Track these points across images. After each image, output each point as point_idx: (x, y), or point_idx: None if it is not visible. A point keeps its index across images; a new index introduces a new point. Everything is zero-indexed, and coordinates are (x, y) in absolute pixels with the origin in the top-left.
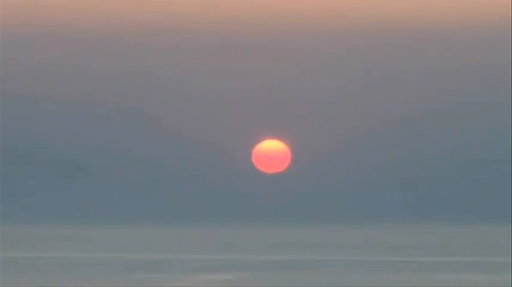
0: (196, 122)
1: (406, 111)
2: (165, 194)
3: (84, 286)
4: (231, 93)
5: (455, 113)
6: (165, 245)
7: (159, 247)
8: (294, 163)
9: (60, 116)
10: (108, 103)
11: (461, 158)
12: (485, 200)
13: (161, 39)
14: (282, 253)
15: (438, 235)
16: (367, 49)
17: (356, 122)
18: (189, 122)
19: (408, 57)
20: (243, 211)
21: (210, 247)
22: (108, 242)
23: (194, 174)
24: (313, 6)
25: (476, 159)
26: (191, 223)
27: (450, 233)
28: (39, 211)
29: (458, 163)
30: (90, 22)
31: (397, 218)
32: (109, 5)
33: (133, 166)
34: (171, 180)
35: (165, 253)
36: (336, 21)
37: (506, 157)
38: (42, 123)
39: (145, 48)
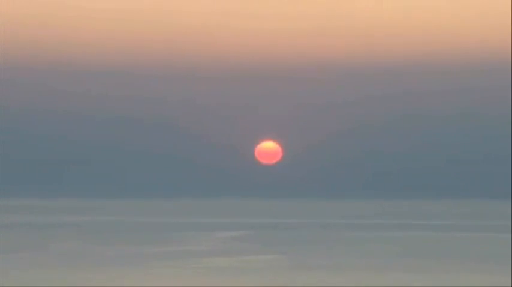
0: (217, 130)
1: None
2: (195, 177)
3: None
4: (240, 110)
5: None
6: (191, 212)
7: (187, 214)
8: (283, 157)
9: (119, 124)
10: (162, 118)
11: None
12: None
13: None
14: (275, 218)
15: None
16: (354, 76)
17: (329, 130)
18: (213, 131)
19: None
20: (248, 189)
21: (224, 214)
22: (145, 211)
23: (215, 164)
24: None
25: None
26: (212, 197)
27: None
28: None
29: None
30: (146, 57)
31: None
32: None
33: (173, 158)
34: (199, 169)
35: (190, 218)
36: (323, 55)
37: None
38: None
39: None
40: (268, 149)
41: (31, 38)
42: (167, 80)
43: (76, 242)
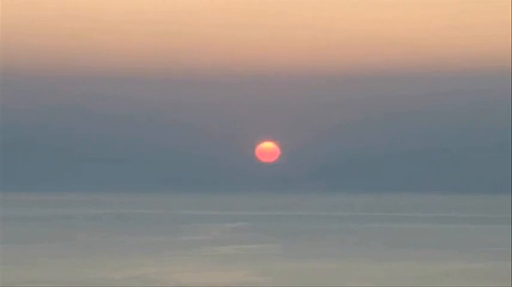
0: (223, 133)
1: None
2: (203, 174)
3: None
4: (243, 114)
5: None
6: (200, 206)
7: (196, 207)
8: (281, 156)
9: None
10: (173, 119)
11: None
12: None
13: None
14: (272, 211)
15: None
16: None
17: (320, 132)
18: (219, 133)
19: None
20: (250, 184)
21: (228, 207)
22: (158, 204)
23: (221, 162)
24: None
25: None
26: (218, 191)
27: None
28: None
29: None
30: (160, 64)
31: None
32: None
33: (184, 157)
34: (208, 166)
35: (199, 211)
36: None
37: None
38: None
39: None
40: (268, 148)
41: (55, 48)
42: (178, 87)
43: (98, 233)
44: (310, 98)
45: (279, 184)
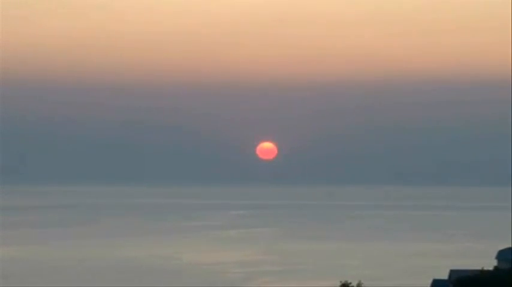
0: (228, 135)
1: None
2: (212, 169)
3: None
4: (246, 119)
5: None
6: (209, 196)
7: (206, 197)
8: (278, 155)
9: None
10: (180, 126)
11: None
12: None
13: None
14: (271, 200)
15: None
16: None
17: (313, 134)
18: (225, 135)
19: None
20: (251, 178)
21: (233, 197)
22: (175, 195)
23: (227, 159)
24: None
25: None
26: (224, 184)
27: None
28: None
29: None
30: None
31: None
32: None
33: (196, 156)
34: (216, 163)
35: (208, 200)
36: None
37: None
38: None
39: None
40: (267, 148)
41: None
42: (190, 94)
43: (124, 219)
44: (304, 104)
45: (277, 178)
